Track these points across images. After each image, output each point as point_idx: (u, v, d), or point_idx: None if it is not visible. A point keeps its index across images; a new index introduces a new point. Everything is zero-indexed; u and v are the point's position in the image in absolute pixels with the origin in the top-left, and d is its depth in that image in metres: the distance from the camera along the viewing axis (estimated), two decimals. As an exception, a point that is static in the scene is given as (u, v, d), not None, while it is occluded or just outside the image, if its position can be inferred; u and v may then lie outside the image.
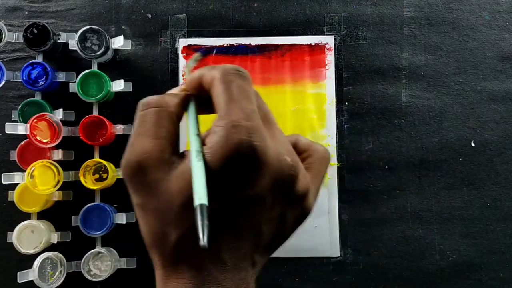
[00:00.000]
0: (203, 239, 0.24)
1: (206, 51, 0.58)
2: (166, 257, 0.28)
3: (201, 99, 0.31)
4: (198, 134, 0.29)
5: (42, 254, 0.53)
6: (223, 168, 0.27)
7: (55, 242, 0.54)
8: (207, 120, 0.31)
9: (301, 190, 0.30)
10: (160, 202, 0.28)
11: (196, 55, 0.40)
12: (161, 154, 0.28)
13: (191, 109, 0.32)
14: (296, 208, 0.30)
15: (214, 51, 0.58)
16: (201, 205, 0.25)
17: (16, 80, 0.54)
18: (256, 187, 0.27)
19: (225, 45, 0.58)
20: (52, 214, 0.56)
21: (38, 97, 0.55)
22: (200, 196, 0.26)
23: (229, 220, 0.28)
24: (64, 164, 0.54)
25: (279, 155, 0.28)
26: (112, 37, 0.56)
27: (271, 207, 0.29)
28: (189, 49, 0.58)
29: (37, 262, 0.52)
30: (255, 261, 0.29)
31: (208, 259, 0.28)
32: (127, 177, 0.28)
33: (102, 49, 0.54)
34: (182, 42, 0.58)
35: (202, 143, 0.29)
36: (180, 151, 0.29)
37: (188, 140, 0.29)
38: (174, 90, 0.32)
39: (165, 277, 0.29)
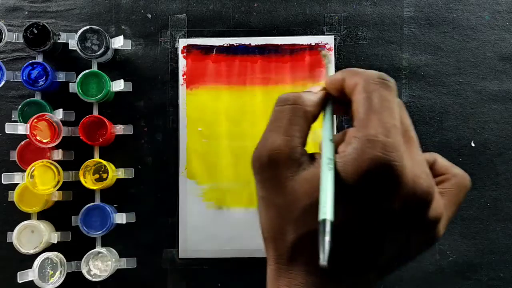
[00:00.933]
0: (323, 258, 0.24)
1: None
2: (281, 254, 0.28)
3: (339, 101, 0.31)
4: (332, 140, 0.29)
5: (42, 254, 0.53)
6: (353, 182, 0.26)
7: (55, 242, 0.54)
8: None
9: (432, 217, 0.28)
10: (284, 200, 0.28)
11: (324, 53, 0.40)
12: (292, 152, 0.28)
13: (328, 111, 0.31)
14: (424, 234, 0.29)
15: (214, 51, 0.58)
16: (325, 220, 0.24)
17: (16, 80, 0.54)
18: (385, 207, 0.26)
19: (225, 45, 0.58)
20: (52, 214, 0.56)
21: (38, 97, 0.55)
22: (326, 210, 0.25)
23: (351, 235, 0.27)
24: (64, 164, 0.54)
25: (415, 177, 0.26)
26: (112, 37, 0.56)
27: (397, 229, 0.27)
28: (189, 49, 0.58)
29: (37, 262, 0.52)
30: (369, 279, 0.28)
31: (327, 274, 0.27)
32: (257, 169, 0.29)
33: (102, 49, 0.54)
34: (182, 42, 0.58)
35: (335, 150, 0.28)
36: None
37: (321, 144, 0.29)
38: (314, 89, 0.32)
39: (277, 273, 0.28)
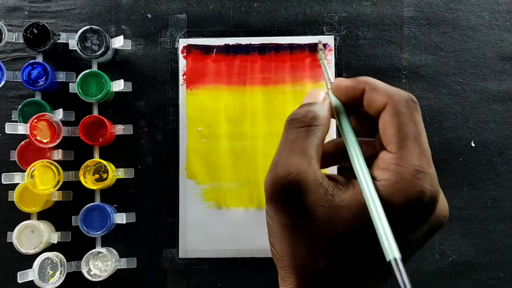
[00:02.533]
0: None
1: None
2: (306, 283, 0.27)
3: (347, 107, 0.30)
4: (365, 166, 0.27)
5: (42, 254, 0.53)
6: (399, 211, 0.25)
7: (55, 242, 0.54)
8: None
9: (433, 235, 0.29)
10: (316, 228, 0.26)
11: (321, 46, 0.39)
12: (317, 177, 0.27)
13: (346, 126, 0.29)
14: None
15: (214, 51, 0.58)
16: (396, 260, 0.24)
17: (16, 80, 0.54)
18: (417, 234, 0.27)
19: (225, 45, 0.58)
20: (52, 214, 0.56)
21: (38, 97, 0.55)
22: (393, 249, 0.24)
23: (377, 261, 0.26)
24: (64, 164, 0.54)
25: (441, 203, 0.27)
26: (112, 37, 0.56)
27: (414, 249, 0.28)
28: (189, 49, 0.58)
29: (37, 262, 0.52)
30: None
31: None
32: (278, 193, 0.27)
33: (102, 49, 0.54)
34: (182, 42, 0.58)
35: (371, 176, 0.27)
36: None
37: (354, 167, 0.27)
38: (317, 96, 0.30)
39: None
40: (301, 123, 0.28)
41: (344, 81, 0.30)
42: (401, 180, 0.25)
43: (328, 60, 0.57)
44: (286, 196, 0.26)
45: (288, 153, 0.27)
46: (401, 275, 0.24)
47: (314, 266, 0.27)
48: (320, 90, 0.31)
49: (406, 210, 0.25)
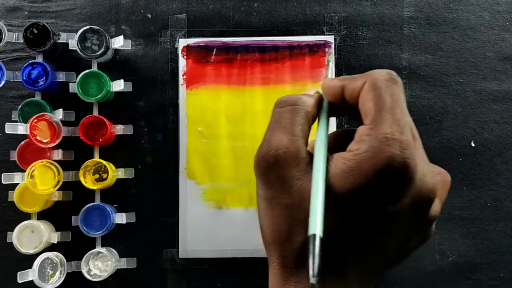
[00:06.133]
0: (312, 274, 0.23)
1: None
2: (288, 258, 0.27)
3: (333, 105, 0.31)
4: (326, 146, 0.28)
5: (42, 254, 0.53)
6: (369, 179, 0.25)
7: (55, 242, 0.54)
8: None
9: (433, 215, 0.29)
10: (293, 199, 0.27)
11: (331, 53, 0.40)
12: (298, 151, 0.28)
13: (324, 113, 0.31)
14: (422, 232, 0.29)
15: (214, 51, 0.58)
16: (315, 236, 0.24)
17: (16, 80, 0.54)
18: (396, 205, 0.26)
19: (225, 45, 0.58)
20: (52, 214, 0.56)
21: (38, 97, 0.55)
22: (315, 224, 0.24)
23: (360, 234, 0.27)
24: (64, 164, 0.54)
25: (423, 176, 0.27)
26: (112, 37, 0.56)
27: (402, 227, 0.27)
28: (189, 49, 0.58)
29: (37, 262, 0.52)
30: (370, 279, 0.28)
31: (331, 270, 0.27)
32: (262, 169, 0.28)
33: (102, 49, 0.54)
34: (182, 42, 0.58)
35: (330, 150, 0.28)
36: None
37: (314, 146, 0.28)
38: (310, 92, 0.32)
39: (284, 278, 0.28)
40: (285, 104, 0.30)
41: (330, 81, 0.31)
42: (369, 148, 0.26)
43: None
44: (270, 170, 0.28)
45: (271, 132, 0.29)
46: (314, 253, 0.24)
47: (293, 240, 0.27)
48: (313, 90, 0.33)
49: (377, 178, 0.25)
